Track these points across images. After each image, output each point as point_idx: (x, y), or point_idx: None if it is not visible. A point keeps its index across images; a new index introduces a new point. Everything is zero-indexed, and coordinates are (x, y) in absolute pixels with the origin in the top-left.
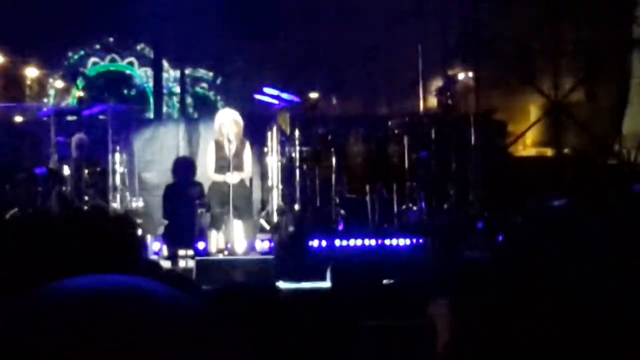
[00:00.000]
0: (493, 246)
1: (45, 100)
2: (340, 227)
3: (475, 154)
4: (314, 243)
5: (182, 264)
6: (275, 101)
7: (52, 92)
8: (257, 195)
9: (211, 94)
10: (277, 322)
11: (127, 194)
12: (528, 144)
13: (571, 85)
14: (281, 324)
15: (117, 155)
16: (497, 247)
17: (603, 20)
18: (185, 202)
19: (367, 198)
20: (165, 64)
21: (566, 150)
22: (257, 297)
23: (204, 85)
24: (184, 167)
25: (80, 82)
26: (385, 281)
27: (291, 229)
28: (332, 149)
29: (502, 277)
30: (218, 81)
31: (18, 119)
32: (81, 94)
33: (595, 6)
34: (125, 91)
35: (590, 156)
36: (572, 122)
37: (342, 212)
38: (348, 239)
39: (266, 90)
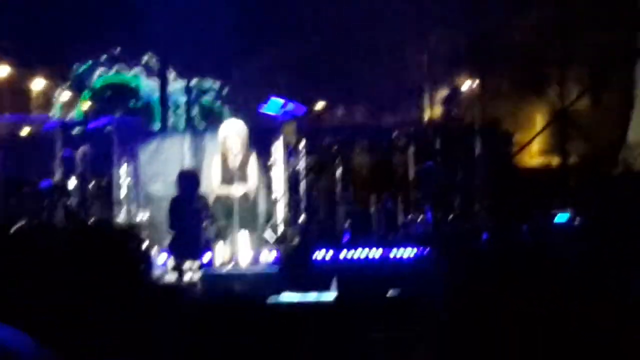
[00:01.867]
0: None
1: (51, 112)
2: (346, 238)
3: (480, 164)
4: (319, 254)
5: (188, 276)
6: (281, 112)
7: (58, 104)
8: (262, 206)
9: (217, 104)
10: (264, 335)
11: (133, 206)
12: (534, 153)
13: (576, 94)
14: (267, 337)
15: (123, 168)
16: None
17: (608, 30)
18: (191, 214)
19: (372, 209)
20: (171, 74)
21: (572, 159)
22: (247, 310)
23: (210, 95)
24: (189, 180)
25: (86, 94)
26: (390, 292)
27: (296, 240)
28: (338, 160)
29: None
30: (224, 92)
31: (24, 132)
32: (87, 105)
33: (601, 16)
34: (131, 103)
35: (596, 165)
36: (578, 130)
37: (347, 223)
38: (353, 250)
39: (272, 100)
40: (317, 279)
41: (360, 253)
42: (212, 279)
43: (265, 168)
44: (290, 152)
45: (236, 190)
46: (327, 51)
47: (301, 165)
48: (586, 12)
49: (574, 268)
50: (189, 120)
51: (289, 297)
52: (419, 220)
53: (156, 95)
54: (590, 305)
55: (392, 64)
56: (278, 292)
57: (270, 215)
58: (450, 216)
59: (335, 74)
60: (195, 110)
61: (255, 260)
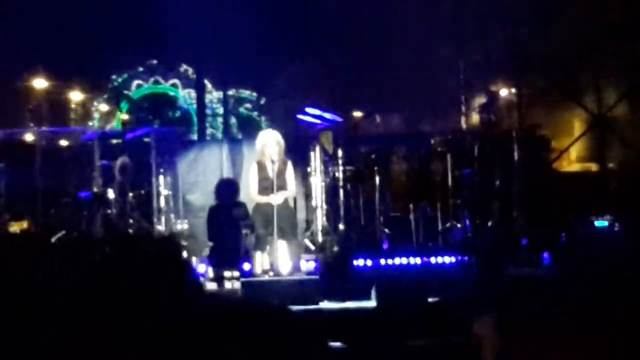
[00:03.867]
0: (539, 263)
1: (90, 123)
2: (385, 246)
3: (518, 171)
4: (359, 262)
5: (228, 285)
6: (318, 121)
7: (96, 115)
8: (301, 215)
9: (255, 114)
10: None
11: (172, 216)
12: (572, 159)
13: (615, 99)
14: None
15: (161, 178)
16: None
17: None
18: (230, 224)
19: (411, 216)
20: (208, 85)
21: (611, 165)
22: (269, 318)
23: (248, 105)
24: (228, 189)
25: (124, 104)
26: (430, 299)
27: (336, 248)
28: (376, 168)
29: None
30: (261, 102)
31: (63, 143)
32: (125, 116)
33: (637, 20)
34: (170, 113)
35: (634, 171)
36: (616, 136)
37: (387, 230)
38: (393, 258)
39: (309, 110)
40: (356, 287)
41: (399, 261)
42: (252, 288)
43: (303, 177)
44: (328, 160)
45: (275, 199)
46: (363, 60)
47: (339, 173)
48: (623, 17)
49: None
50: (227, 130)
51: (329, 305)
52: (457, 227)
53: (194, 105)
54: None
55: (429, 72)
56: (318, 300)
57: (309, 223)
58: (489, 223)
59: (371, 83)
60: (232, 120)
61: (295, 268)
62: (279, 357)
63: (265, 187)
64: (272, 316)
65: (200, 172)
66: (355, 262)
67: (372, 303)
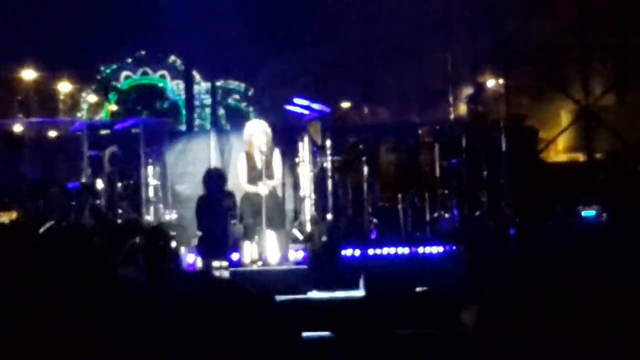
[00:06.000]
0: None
1: (78, 114)
2: (373, 236)
3: (506, 161)
4: (347, 252)
5: (216, 275)
6: (306, 112)
7: (84, 106)
8: (289, 205)
9: (243, 105)
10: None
11: (160, 206)
12: (560, 150)
13: (601, 90)
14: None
15: (150, 168)
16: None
17: (632, 26)
18: (218, 214)
19: (399, 206)
20: (197, 76)
21: (598, 155)
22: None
23: (236, 96)
24: (216, 179)
25: (112, 96)
26: (418, 289)
27: (324, 238)
28: (364, 158)
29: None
30: (250, 92)
31: (51, 134)
32: (114, 107)
33: (624, 12)
34: (158, 104)
35: (622, 161)
36: (603, 127)
37: (375, 220)
38: (381, 248)
39: (297, 100)
40: (344, 276)
41: (387, 250)
42: (241, 277)
43: (291, 167)
44: (316, 151)
45: (263, 189)
46: (351, 52)
47: (327, 164)
48: (610, 8)
49: (604, 264)
50: (215, 121)
51: (317, 294)
52: (445, 217)
53: (182, 96)
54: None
55: (416, 63)
56: (306, 290)
57: (297, 213)
58: (477, 213)
59: (359, 74)
60: (221, 111)
61: (284, 258)
62: (249, 343)
63: (254, 176)
64: (252, 302)
65: (189, 163)
66: (343, 252)
67: (360, 293)
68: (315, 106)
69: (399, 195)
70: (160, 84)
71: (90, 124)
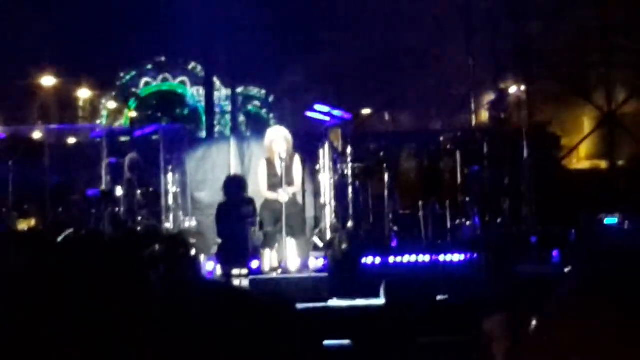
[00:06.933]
0: (548, 260)
1: (98, 121)
2: (394, 244)
3: (528, 168)
4: (368, 260)
5: (236, 283)
6: (327, 118)
7: (104, 113)
8: (310, 212)
9: (263, 111)
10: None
11: (180, 213)
12: (582, 157)
13: (624, 96)
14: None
15: (170, 175)
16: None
17: None
18: (238, 221)
19: (420, 214)
20: (217, 82)
21: (620, 162)
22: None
23: (256, 103)
24: (236, 186)
25: (132, 102)
26: (439, 297)
27: (344, 246)
28: (385, 165)
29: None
30: (270, 99)
31: (71, 140)
32: (134, 114)
33: None
34: (178, 110)
35: None
36: (626, 133)
37: (395, 228)
38: (402, 255)
39: (317, 107)
40: (365, 284)
41: (408, 258)
42: (260, 285)
43: (312, 174)
44: (337, 157)
45: (283, 196)
46: (372, 58)
47: (348, 170)
48: (633, 13)
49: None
50: (235, 128)
51: (337, 302)
52: (467, 224)
53: (202, 102)
54: None
55: (438, 69)
56: (327, 298)
57: (318, 221)
58: (499, 220)
59: (380, 81)
60: (241, 118)
61: (304, 266)
62: (270, 351)
63: (274, 183)
64: (273, 311)
65: (209, 170)
66: (364, 260)
67: (380, 301)
68: (336, 113)
69: (420, 203)
70: (180, 91)
71: (110, 130)
